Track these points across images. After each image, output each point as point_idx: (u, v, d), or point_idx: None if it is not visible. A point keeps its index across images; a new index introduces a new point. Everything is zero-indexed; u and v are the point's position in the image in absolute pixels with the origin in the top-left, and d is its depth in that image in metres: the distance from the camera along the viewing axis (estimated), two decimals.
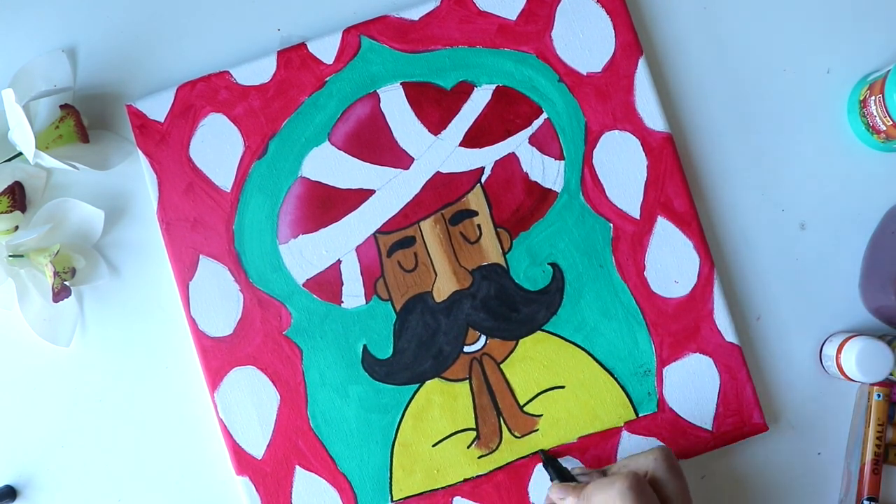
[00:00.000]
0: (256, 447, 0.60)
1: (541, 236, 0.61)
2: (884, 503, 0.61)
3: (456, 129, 0.62)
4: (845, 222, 0.63)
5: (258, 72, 0.62)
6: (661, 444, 0.57)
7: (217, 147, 0.62)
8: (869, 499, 0.59)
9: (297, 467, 0.60)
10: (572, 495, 0.54)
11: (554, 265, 0.61)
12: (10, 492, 0.61)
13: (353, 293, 0.61)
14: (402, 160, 0.62)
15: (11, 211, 0.61)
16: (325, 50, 0.62)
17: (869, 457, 0.60)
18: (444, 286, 0.61)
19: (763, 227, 0.63)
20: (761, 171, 0.63)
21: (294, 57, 0.62)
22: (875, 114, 0.60)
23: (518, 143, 0.62)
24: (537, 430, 0.60)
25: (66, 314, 0.62)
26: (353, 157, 0.62)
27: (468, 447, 0.60)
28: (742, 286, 0.62)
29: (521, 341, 0.60)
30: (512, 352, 0.60)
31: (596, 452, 0.60)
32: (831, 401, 0.62)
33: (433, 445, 0.60)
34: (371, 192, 0.62)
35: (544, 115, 0.62)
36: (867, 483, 0.60)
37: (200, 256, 0.61)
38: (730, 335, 0.61)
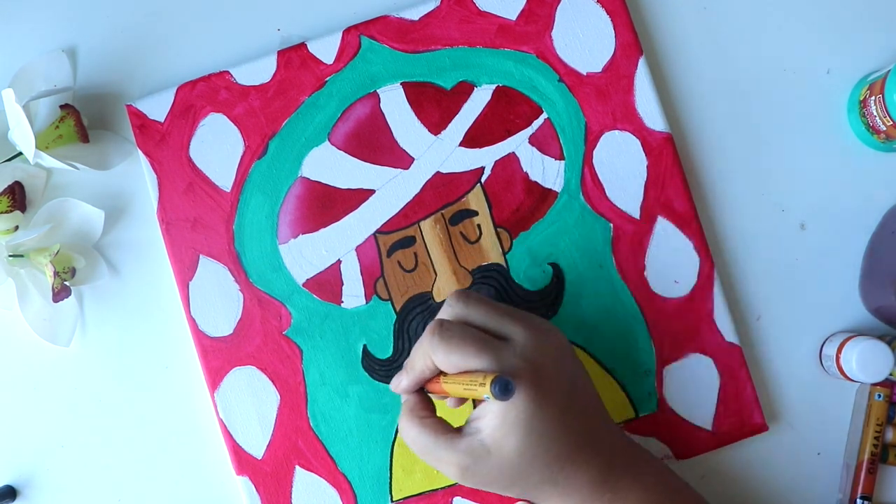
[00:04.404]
0: (256, 447, 0.60)
1: (541, 236, 0.61)
2: (877, 503, 0.61)
3: (456, 129, 0.62)
4: (845, 222, 0.63)
5: (258, 72, 0.62)
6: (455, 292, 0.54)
7: (217, 147, 0.62)
8: (863, 497, 0.59)
9: (297, 467, 0.60)
10: (403, 374, 0.54)
11: (554, 265, 0.61)
12: (10, 492, 0.61)
13: (353, 293, 0.61)
14: (402, 160, 0.62)
15: (11, 211, 0.61)
16: (325, 50, 0.62)
17: (866, 456, 0.60)
18: (444, 286, 0.61)
19: (763, 227, 0.63)
20: (761, 171, 0.63)
21: (294, 57, 0.62)
22: (875, 114, 0.60)
23: (518, 143, 0.62)
24: None
25: (66, 314, 0.62)
26: (353, 157, 0.62)
27: None
28: (742, 286, 0.62)
29: None
30: None
31: None
32: (831, 401, 0.62)
33: None
34: (371, 192, 0.62)
35: (544, 115, 0.62)
36: (862, 482, 0.60)
37: (200, 256, 0.61)
38: (730, 335, 0.61)
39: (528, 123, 0.62)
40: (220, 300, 0.61)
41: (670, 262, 0.61)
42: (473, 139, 0.62)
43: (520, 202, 0.62)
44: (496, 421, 0.49)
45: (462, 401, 0.58)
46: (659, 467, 0.54)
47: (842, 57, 0.64)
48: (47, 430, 0.62)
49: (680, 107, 0.63)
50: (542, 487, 0.51)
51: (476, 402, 0.55)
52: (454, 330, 0.51)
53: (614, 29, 0.62)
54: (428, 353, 0.51)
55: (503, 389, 0.46)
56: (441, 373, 0.52)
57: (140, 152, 0.62)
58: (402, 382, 0.54)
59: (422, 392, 0.54)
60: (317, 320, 0.61)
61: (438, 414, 0.54)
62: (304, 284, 0.61)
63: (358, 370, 0.61)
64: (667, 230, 0.61)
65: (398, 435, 0.60)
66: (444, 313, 0.53)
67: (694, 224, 0.61)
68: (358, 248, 0.61)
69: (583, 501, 0.51)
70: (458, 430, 0.51)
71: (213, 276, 0.61)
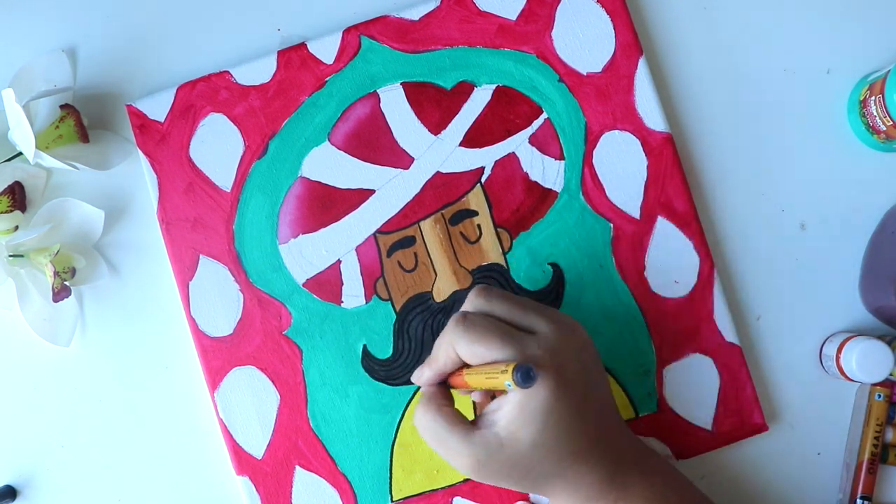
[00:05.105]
0: (256, 447, 0.60)
1: (541, 236, 0.61)
2: (877, 503, 0.61)
3: (456, 129, 0.62)
4: (845, 222, 0.63)
5: (258, 72, 0.62)
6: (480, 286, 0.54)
7: (217, 147, 0.62)
8: (863, 497, 0.59)
9: (297, 467, 0.60)
10: (425, 366, 0.54)
11: (554, 265, 0.61)
12: (10, 492, 0.61)
13: (353, 293, 0.61)
14: (402, 160, 0.62)
15: (11, 211, 0.61)
16: (325, 50, 0.62)
17: (866, 456, 0.60)
18: (444, 286, 0.61)
19: (763, 227, 0.63)
20: (761, 171, 0.63)
21: (294, 57, 0.62)
22: (875, 114, 0.60)
23: (518, 143, 0.62)
24: None
25: (66, 314, 0.62)
26: (353, 157, 0.62)
27: None
28: (742, 286, 0.62)
29: None
30: None
31: None
32: (831, 401, 0.62)
33: None
34: (371, 192, 0.62)
35: (544, 115, 0.62)
36: (862, 482, 0.60)
37: (200, 256, 0.61)
38: (730, 335, 0.61)
39: (528, 123, 0.62)
40: (220, 300, 0.61)
41: (670, 262, 0.61)
42: (473, 139, 0.62)
43: (520, 202, 0.62)
44: (514, 412, 0.49)
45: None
46: (665, 467, 0.54)
47: (842, 57, 0.64)
48: (47, 430, 0.62)
49: (680, 107, 0.63)
50: (551, 481, 0.51)
51: (495, 396, 0.55)
52: (478, 321, 0.51)
53: (614, 29, 0.62)
54: (451, 345, 0.51)
55: (525, 377, 0.45)
56: (464, 366, 0.52)
57: (140, 152, 0.62)
58: (424, 374, 0.54)
59: (443, 384, 0.54)
60: (317, 320, 0.61)
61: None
62: (304, 284, 0.61)
63: (358, 370, 0.61)
64: (667, 230, 0.61)
65: (406, 426, 0.60)
66: (466, 307, 0.53)
67: (694, 224, 0.61)
68: (358, 248, 0.61)
69: (587, 498, 0.51)
70: (474, 423, 0.51)
71: (213, 276, 0.61)
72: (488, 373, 0.48)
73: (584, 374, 0.51)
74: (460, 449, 0.50)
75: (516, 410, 0.49)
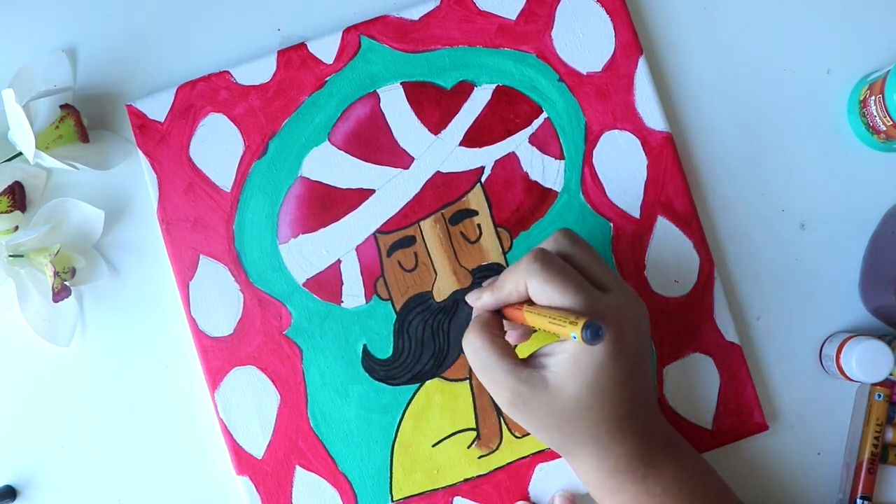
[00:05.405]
0: (256, 447, 0.60)
1: (541, 236, 0.61)
2: (877, 503, 0.61)
3: (456, 128, 0.62)
4: (845, 222, 0.63)
5: (258, 72, 0.62)
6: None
7: (217, 147, 0.62)
8: (863, 497, 0.60)
9: (297, 467, 0.60)
10: (486, 290, 0.54)
11: None
12: (10, 492, 0.61)
13: (353, 293, 0.61)
14: (402, 160, 0.62)
15: (11, 211, 0.61)
16: (325, 50, 0.62)
17: (866, 456, 0.60)
18: (445, 286, 0.61)
19: (763, 227, 0.63)
20: (761, 171, 0.63)
21: (294, 57, 0.62)
22: (875, 114, 0.60)
23: (518, 143, 0.62)
24: None
25: (66, 314, 0.62)
26: (353, 156, 0.62)
27: (468, 447, 0.60)
28: (742, 286, 0.62)
29: None
30: None
31: None
32: (831, 401, 0.62)
33: (433, 445, 0.60)
34: (371, 192, 0.62)
35: (544, 115, 0.62)
36: (862, 482, 0.60)
37: (200, 256, 0.61)
38: (730, 335, 0.61)
39: (528, 123, 0.62)
40: (220, 300, 0.61)
41: (670, 262, 0.61)
42: (473, 139, 0.62)
43: (520, 202, 0.62)
44: (567, 361, 0.49)
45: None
46: (693, 454, 0.55)
47: (842, 57, 0.64)
48: (47, 430, 0.62)
49: (680, 107, 0.63)
50: (582, 443, 0.51)
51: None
52: (557, 263, 0.51)
53: (614, 29, 0.63)
54: (522, 278, 0.51)
55: (594, 335, 0.45)
56: (526, 302, 0.52)
57: (140, 152, 0.62)
58: (482, 298, 0.54)
59: (496, 313, 0.54)
60: (317, 320, 0.61)
61: None
62: (304, 284, 0.61)
63: (358, 370, 0.61)
64: (667, 230, 0.61)
65: (407, 426, 0.60)
66: (548, 245, 0.53)
67: (694, 224, 0.61)
68: (358, 248, 0.61)
69: (615, 469, 0.51)
70: (524, 361, 0.51)
71: (213, 276, 0.61)
72: (553, 318, 0.48)
73: (640, 344, 0.52)
74: (504, 381, 0.51)
75: (570, 360, 0.49)
